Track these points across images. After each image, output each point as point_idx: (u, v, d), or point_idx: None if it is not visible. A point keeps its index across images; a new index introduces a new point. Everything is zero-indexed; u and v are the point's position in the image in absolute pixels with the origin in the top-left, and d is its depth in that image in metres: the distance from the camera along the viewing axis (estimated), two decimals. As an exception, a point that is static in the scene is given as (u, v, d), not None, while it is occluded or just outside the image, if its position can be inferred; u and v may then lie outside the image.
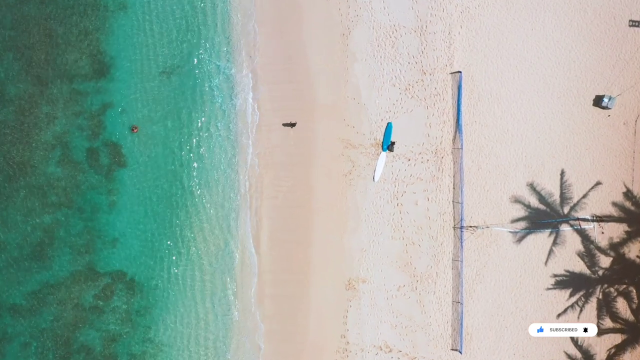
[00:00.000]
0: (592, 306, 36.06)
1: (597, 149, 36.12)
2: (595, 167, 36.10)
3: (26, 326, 38.33)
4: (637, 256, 35.73)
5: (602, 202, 35.97)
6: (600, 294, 35.97)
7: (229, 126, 39.49)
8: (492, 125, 36.85)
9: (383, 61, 38.07)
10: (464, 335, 36.67)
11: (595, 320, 35.92)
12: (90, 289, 38.60)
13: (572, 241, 36.25)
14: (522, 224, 36.45)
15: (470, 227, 36.70)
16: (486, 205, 36.77)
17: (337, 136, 38.47)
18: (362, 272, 37.93)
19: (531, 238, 36.42)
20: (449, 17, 37.25)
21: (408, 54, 37.74)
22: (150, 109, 39.25)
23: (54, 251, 38.55)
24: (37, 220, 38.59)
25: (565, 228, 36.24)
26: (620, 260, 35.84)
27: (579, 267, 36.23)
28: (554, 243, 36.24)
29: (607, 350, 35.97)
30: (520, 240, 36.45)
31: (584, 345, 36.07)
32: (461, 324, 36.63)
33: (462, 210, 36.80)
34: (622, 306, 35.85)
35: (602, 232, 36.04)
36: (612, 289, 35.89)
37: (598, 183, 35.98)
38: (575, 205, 36.12)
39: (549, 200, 36.32)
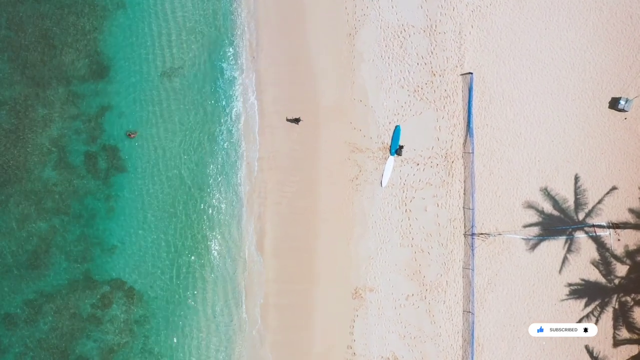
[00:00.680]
0: (608, 316, 35.45)
1: (613, 153, 35.66)
2: (611, 172, 35.62)
3: (21, 336, 37.44)
4: (655, 264, 35.06)
5: (618, 208, 35.51)
6: (617, 303, 35.38)
7: (232, 129, 38.81)
8: (504, 128, 36.22)
9: (391, 62, 37.33)
10: (475, 346, 35.95)
11: (612, 331, 35.28)
12: (87, 298, 37.73)
13: (587, 249, 35.64)
14: (535, 231, 35.80)
15: (482, 234, 36.03)
16: (498, 211, 36.07)
17: (343, 140, 37.69)
18: (370, 281, 37.09)
19: (545, 245, 35.73)
20: (460, 16, 36.67)
21: (417, 54, 37.04)
22: (150, 111, 38.39)
23: (50, 259, 37.68)
24: (33, 227, 37.71)
25: (580, 235, 35.63)
26: (637, 268, 35.23)
27: (594, 275, 35.60)
28: (569, 251, 35.61)
29: (624, 361, 35.41)
30: (533, 247, 35.75)
31: (599, 357, 35.44)
32: (472, 334, 35.92)
33: (473, 217, 36.04)
34: (639, 316, 35.19)
35: (619, 240, 35.42)
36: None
37: (614, 188, 35.42)
38: (590, 211, 35.50)
39: (563, 206, 35.66)
